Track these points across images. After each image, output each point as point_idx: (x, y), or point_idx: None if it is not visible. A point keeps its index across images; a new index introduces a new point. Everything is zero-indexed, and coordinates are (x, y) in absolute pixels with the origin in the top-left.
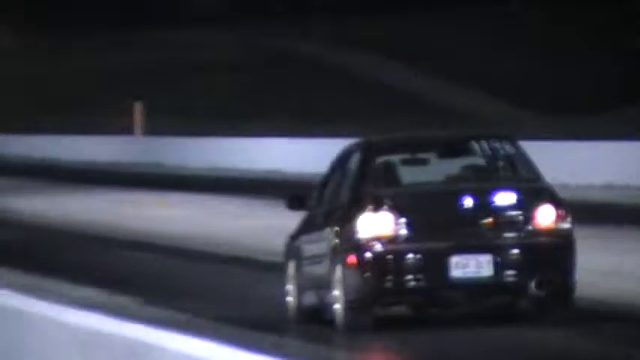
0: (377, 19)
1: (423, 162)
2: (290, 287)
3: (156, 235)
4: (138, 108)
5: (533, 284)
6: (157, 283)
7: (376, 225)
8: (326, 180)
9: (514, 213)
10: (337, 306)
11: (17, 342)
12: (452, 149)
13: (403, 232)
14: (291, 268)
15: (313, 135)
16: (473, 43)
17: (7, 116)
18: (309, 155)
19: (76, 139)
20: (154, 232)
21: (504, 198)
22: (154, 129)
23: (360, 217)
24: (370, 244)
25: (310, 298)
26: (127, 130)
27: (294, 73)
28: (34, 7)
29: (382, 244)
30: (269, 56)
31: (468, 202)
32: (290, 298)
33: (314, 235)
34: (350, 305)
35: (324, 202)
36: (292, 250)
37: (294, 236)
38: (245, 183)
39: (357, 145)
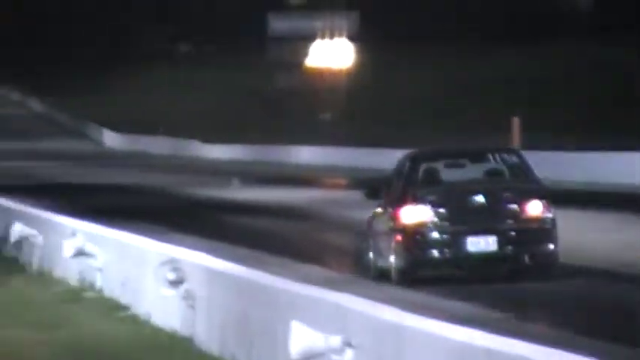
0: None
1: (461, 166)
2: (370, 254)
3: None
4: (516, 123)
5: (526, 256)
6: (531, 299)
7: (415, 214)
8: (391, 178)
9: (513, 206)
10: (392, 269)
11: (394, 356)
12: (475, 158)
13: (435, 219)
14: (370, 239)
15: None
16: None
17: (398, 129)
18: None
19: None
20: None
21: (507, 195)
22: (528, 144)
23: (404, 208)
24: (411, 228)
25: (381, 262)
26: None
27: None
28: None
29: (419, 228)
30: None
31: (481, 198)
32: (370, 261)
33: (382, 217)
34: (398, 270)
35: (389, 195)
36: (371, 226)
37: (372, 217)
38: (622, 197)
39: (408, 154)
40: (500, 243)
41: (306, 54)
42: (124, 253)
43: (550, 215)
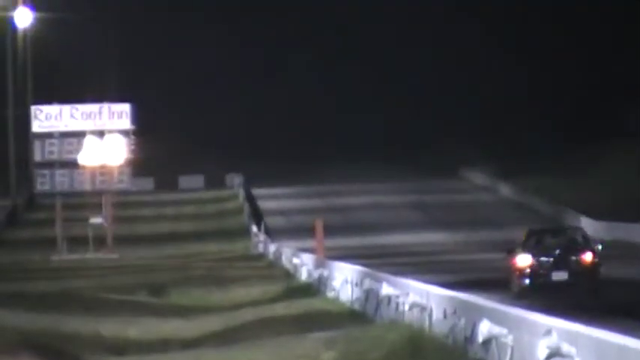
0: None
1: (555, 236)
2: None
3: None
4: None
5: (584, 283)
6: None
7: (524, 259)
8: (520, 243)
9: (576, 256)
10: (515, 289)
11: None
12: (562, 232)
13: (534, 262)
14: (509, 276)
15: None
16: None
17: None
18: None
19: None
20: None
21: (574, 251)
22: None
23: (518, 256)
24: (521, 266)
25: (513, 287)
26: None
27: None
28: None
29: (526, 267)
30: None
31: (561, 252)
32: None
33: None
34: (517, 290)
35: (517, 252)
36: (508, 269)
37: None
38: None
39: (527, 230)
40: (570, 275)
41: None
42: (604, 354)
43: (597, 260)
